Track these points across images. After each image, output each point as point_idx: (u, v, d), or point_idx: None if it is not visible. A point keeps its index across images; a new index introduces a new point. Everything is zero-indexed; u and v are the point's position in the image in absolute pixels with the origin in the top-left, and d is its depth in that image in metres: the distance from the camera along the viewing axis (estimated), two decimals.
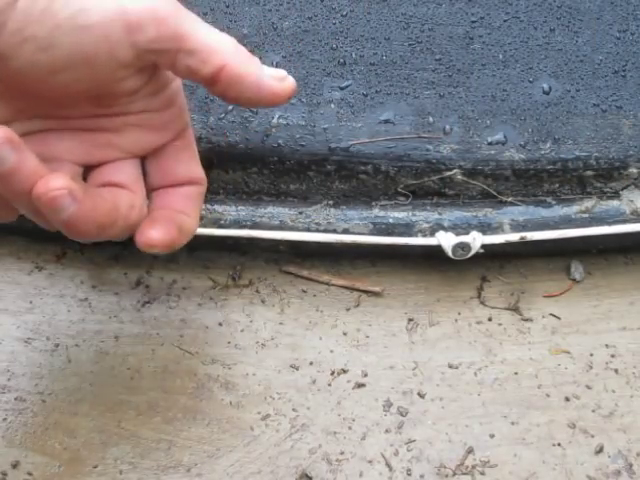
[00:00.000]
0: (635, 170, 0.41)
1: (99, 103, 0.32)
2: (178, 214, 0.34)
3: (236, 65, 0.30)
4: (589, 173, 0.41)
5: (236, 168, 0.42)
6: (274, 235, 0.41)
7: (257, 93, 0.31)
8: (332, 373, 0.40)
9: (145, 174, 0.35)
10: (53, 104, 0.31)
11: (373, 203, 0.42)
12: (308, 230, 0.41)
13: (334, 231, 0.41)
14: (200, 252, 0.44)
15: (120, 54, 0.29)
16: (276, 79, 0.32)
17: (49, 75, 0.29)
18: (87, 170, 0.34)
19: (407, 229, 0.41)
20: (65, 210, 0.28)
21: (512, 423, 0.38)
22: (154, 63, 0.31)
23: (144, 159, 0.35)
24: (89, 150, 0.33)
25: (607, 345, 0.41)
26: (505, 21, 0.44)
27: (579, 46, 0.43)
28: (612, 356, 0.41)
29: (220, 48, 0.30)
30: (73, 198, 0.28)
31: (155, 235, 0.32)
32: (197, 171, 0.36)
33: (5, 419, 0.38)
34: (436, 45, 0.43)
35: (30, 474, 0.36)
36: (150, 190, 0.35)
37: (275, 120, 0.41)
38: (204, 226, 0.41)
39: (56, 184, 0.28)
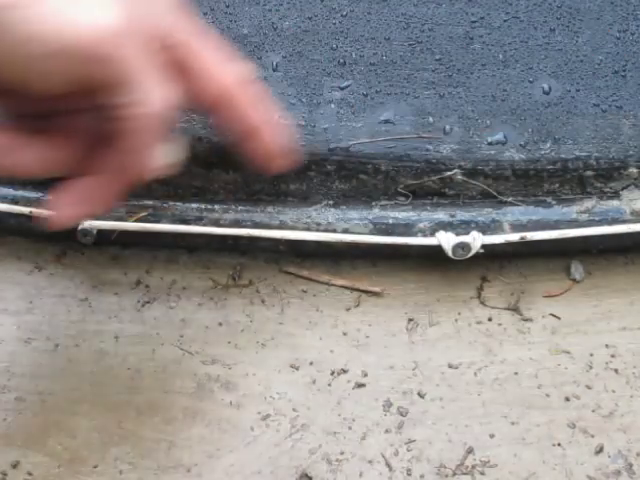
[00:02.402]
0: (635, 170, 0.41)
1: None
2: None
3: (146, 123, 0.31)
4: (589, 173, 0.41)
5: (236, 168, 0.42)
6: (274, 234, 0.41)
7: (135, 157, 0.32)
8: (332, 373, 0.40)
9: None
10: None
11: (373, 203, 0.42)
12: (308, 230, 0.41)
13: (334, 231, 0.41)
14: (200, 252, 0.44)
15: (59, 81, 0.29)
16: (161, 162, 0.33)
17: (25, 71, 0.29)
18: None
19: (407, 229, 0.41)
20: None
21: (512, 423, 0.38)
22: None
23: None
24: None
25: (607, 345, 0.41)
26: (505, 21, 0.44)
27: (579, 46, 0.43)
28: (612, 356, 0.41)
29: (149, 103, 0.30)
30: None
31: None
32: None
33: (5, 419, 0.38)
34: (436, 45, 0.43)
35: (30, 474, 0.36)
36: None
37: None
38: (204, 226, 0.41)
39: None
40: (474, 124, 0.42)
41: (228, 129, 0.37)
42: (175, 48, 0.32)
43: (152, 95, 0.30)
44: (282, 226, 0.41)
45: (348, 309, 0.42)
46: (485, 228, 0.41)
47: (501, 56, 0.43)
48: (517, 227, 0.41)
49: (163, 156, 0.33)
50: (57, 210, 0.33)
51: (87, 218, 0.34)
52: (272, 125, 0.37)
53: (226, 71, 0.34)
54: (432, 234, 0.41)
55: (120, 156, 0.33)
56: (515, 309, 0.42)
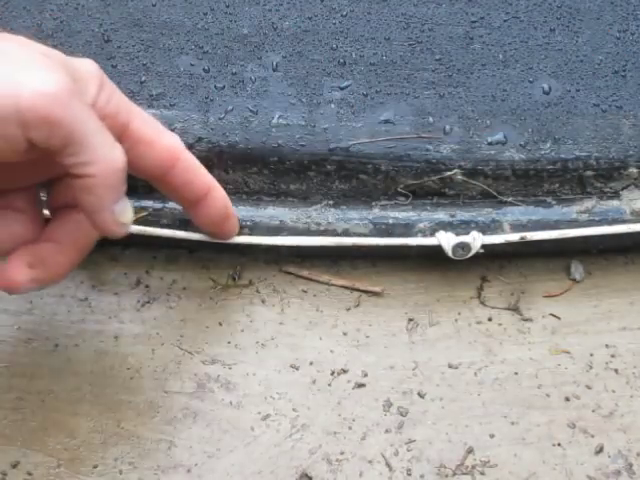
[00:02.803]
0: (635, 170, 0.41)
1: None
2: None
3: (99, 183, 0.31)
4: (589, 173, 0.41)
5: (236, 168, 0.42)
6: (271, 241, 0.41)
7: (93, 214, 0.32)
8: (332, 373, 0.40)
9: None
10: None
11: (373, 203, 0.42)
12: (308, 230, 0.41)
13: (334, 231, 0.41)
14: (200, 252, 0.44)
15: (14, 145, 0.29)
16: (113, 221, 0.33)
17: None
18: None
19: (407, 229, 0.41)
20: (32, 289, 0.35)
21: (512, 423, 0.38)
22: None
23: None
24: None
25: (607, 345, 0.41)
26: (505, 21, 0.44)
27: (579, 46, 0.43)
28: (612, 356, 0.41)
29: (100, 162, 0.31)
30: (37, 282, 0.34)
31: None
32: None
33: (5, 419, 0.38)
34: (436, 45, 0.43)
35: (30, 474, 0.36)
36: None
37: (275, 120, 0.41)
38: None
39: (18, 278, 0.34)
40: (474, 124, 0.42)
41: (173, 197, 0.38)
42: (113, 117, 0.33)
43: (105, 152, 0.31)
44: (282, 226, 0.41)
45: (348, 309, 0.42)
46: (485, 228, 0.41)
47: (501, 56, 0.43)
48: (517, 227, 0.41)
49: (122, 214, 0.33)
50: (8, 274, 0.34)
51: (39, 286, 0.35)
52: (215, 191, 0.38)
53: (165, 139, 0.36)
54: (432, 234, 0.41)
55: (77, 223, 0.35)
56: (515, 309, 0.42)
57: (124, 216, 0.33)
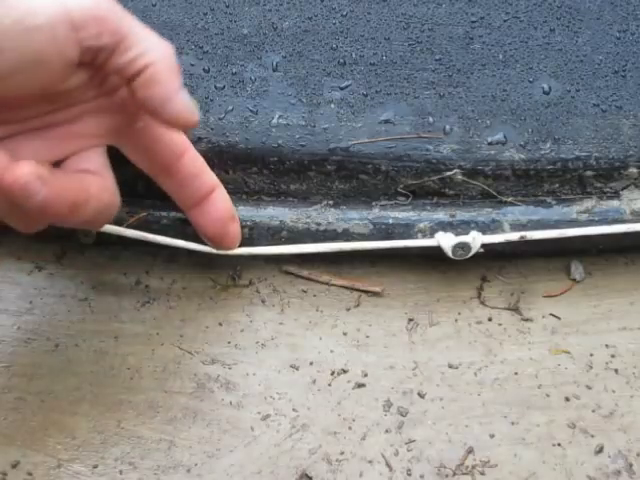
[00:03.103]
0: (635, 170, 0.41)
1: (53, 99, 0.33)
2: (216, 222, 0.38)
3: (161, 68, 0.31)
4: (589, 173, 0.41)
5: (236, 168, 0.42)
6: (269, 251, 0.41)
7: (164, 104, 0.32)
8: (332, 373, 0.40)
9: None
10: (7, 109, 0.32)
11: (373, 203, 0.42)
12: (308, 230, 0.41)
13: (334, 231, 0.41)
14: (200, 252, 0.44)
15: (67, 52, 0.30)
16: (187, 105, 0.32)
17: (0, 79, 0.29)
18: (54, 165, 0.35)
19: (407, 229, 0.41)
20: (37, 194, 0.30)
21: (512, 423, 0.38)
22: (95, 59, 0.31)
23: (122, 145, 0.36)
24: (53, 146, 0.34)
25: (607, 345, 0.41)
26: (505, 21, 0.44)
27: (579, 46, 0.43)
28: (612, 356, 0.41)
29: (154, 49, 0.31)
30: (42, 181, 0.30)
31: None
32: (211, 178, 0.38)
33: (5, 419, 0.38)
34: (436, 45, 0.43)
35: (30, 474, 0.36)
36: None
37: (275, 120, 0.41)
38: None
39: (24, 170, 0.29)
40: (474, 124, 0.42)
41: (177, 194, 0.39)
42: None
43: (154, 40, 0.32)
44: (282, 226, 0.41)
45: (348, 309, 0.42)
46: (485, 228, 0.41)
47: (501, 56, 0.43)
48: (517, 227, 0.41)
49: (190, 100, 0.33)
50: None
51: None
52: (220, 190, 0.39)
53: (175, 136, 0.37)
54: (432, 234, 0.41)
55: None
56: (515, 309, 0.42)
57: (192, 104, 0.33)
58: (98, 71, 0.33)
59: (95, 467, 0.37)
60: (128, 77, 0.32)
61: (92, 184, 0.33)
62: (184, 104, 0.32)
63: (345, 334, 0.41)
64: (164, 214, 0.41)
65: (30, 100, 0.32)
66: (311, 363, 0.40)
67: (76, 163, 0.35)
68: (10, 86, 0.30)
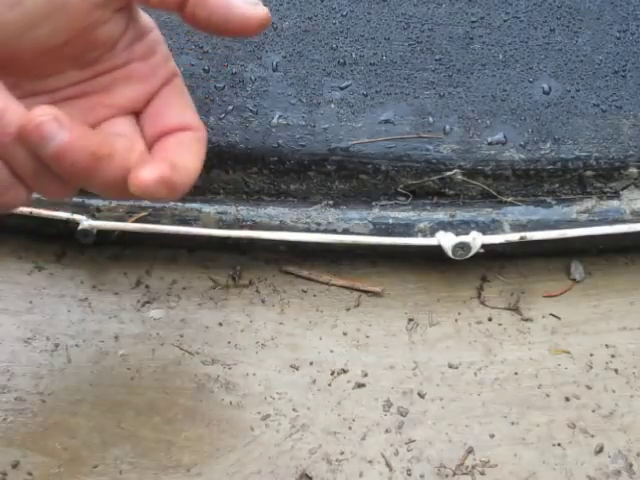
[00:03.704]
0: (635, 170, 0.41)
1: (83, 64, 0.32)
2: (171, 155, 0.33)
3: None
4: (589, 173, 0.41)
5: (236, 168, 0.42)
6: (274, 235, 0.41)
7: (226, 13, 0.31)
8: (332, 373, 0.40)
9: (142, 129, 0.35)
10: (37, 78, 0.31)
11: (373, 203, 0.42)
12: (308, 230, 0.41)
13: (334, 231, 0.41)
14: (200, 252, 0.44)
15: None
16: (248, 2, 0.31)
17: (23, 34, 0.28)
18: None
19: (407, 229, 0.41)
20: (54, 138, 0.28)
21: (512, 423, 0.38)
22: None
23: (139, 115, 0.35)
24: (84, 115, 0.33)
25: (607, 345, 0.41)
26: (505, 21, 0.44)
27: (579, 46, 0.43)
28: (612, 356, 0.41)
29: None
30: (60, 124, 0.28)
31: (145, 173, 0.30)
32: (190, 116, 0.35)
33: (5, 419, 0.38)
34: (436, 45, 0.43)
35: (30, 474, 0.36)
36: (148, 145, 0.34)
37: (275, 120, 0.41)
38: (204, 226, 0.41)
39: (39, 112, 0.27)
40: (474, 124, 0.42)
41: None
42: None
43: None
44: (282, 226, 0.41)
45: (348, 309, 0.42)
46: (485, 228, 0.41)
47: (501, 56, 0.43)
48: (517, 227, 0.41)
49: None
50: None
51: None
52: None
53: None
54: (432, 234, 0.41)
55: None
56: (515, 309, 0.42)
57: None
58: (128, 30, 0.32)
59: (95, 467, 0.37)
60: (175, 7, 0.30)
61: (118, 141, 0.31)
62: (243, 4, 0.31)
63: (345, 334, 0.41)
64: (164, 214, 0.41)
65: (59, 63, 0.31)
66: (311, 363, 0.40)
67: (105, 128, 0.33)
68: (33, 40, 0.28)
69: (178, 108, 0.34)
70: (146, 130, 0.34)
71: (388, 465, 0.37)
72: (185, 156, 0.33)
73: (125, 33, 0.32)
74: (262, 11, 0.31)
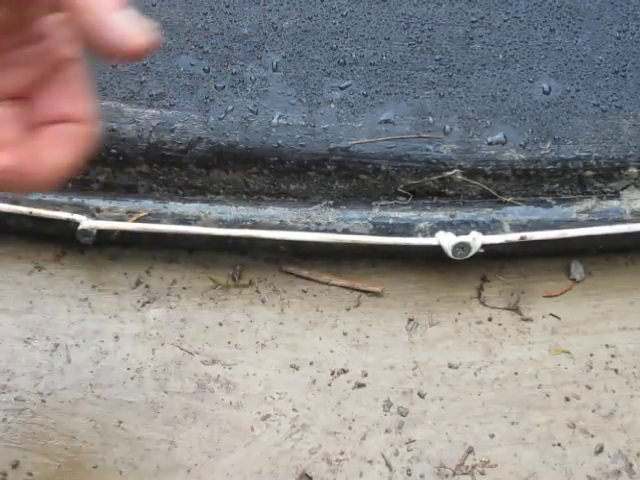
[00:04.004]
0: (635, 170, 0.41)
1: None
2: (38, 145, 0.30)
3: None
4: (589, 173, 0.41)
5: (236, 168, 0.42)
6: (274, 235, 0.41)
7: (96, 30, 0.25)
8: (332, 373, 0.40)
9: (25, 116, 0.33)
10: None
11: (373, 203, 0.42)
12: (308, 230, 0.41)
13: (334, 231, 0.41)
14: (200, 252, 0.44)
15: None
16: (126, 27, 0.25)
17: None
18: None
19: (407, 229, 0.41)
20: None
21: (512, 423, 0.38)
22: None
23: (19, 100, 0.33)
24: None
25: (607, 345, 0.41)
26: (505, 21, 0.44)
27: (579, 46, 0.43)
28: (612, 356, 0.41)
29: None
30: None
31: None
32: (77, 107, 0.32)
33: (5, 419, 0.38)
34: (436, 45, 0.43)
35: (30, 474, 0.36)
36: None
37: (275, 120, 0.41)
38: (204, 226, 0.41)
39: None
40: (474, 124, 0.42)
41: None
42: None
43: None
44: (282, 226, 0.41)
45: (348, 309, 0.42)
46: (485, 228, 0.41)
47: (501, 56, 0.43)
48: (517, 227, 0.41)
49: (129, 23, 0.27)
50: None
51: None
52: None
53: None
54: (432, 234, 0.41)
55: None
56: (515, 309, 0.42)
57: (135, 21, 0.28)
58: (10, 16, 0.30)
59: (95, 467, 0.37)
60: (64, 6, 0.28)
61: None
62: (122, 25, 0.25)
63: (345, 334, 0.41)
64: (164, 214, 0.41)
65: None
66: (311, 363, 0.40)
67: None
68: None
69: (65, 97, 0.33)
70: (27, 118, 0.33)
71: (388, 465, 0.37)
72: (54, 149, 0.31)
73: (6, 20, 0.30)
74: (141, 42, 0.27)
